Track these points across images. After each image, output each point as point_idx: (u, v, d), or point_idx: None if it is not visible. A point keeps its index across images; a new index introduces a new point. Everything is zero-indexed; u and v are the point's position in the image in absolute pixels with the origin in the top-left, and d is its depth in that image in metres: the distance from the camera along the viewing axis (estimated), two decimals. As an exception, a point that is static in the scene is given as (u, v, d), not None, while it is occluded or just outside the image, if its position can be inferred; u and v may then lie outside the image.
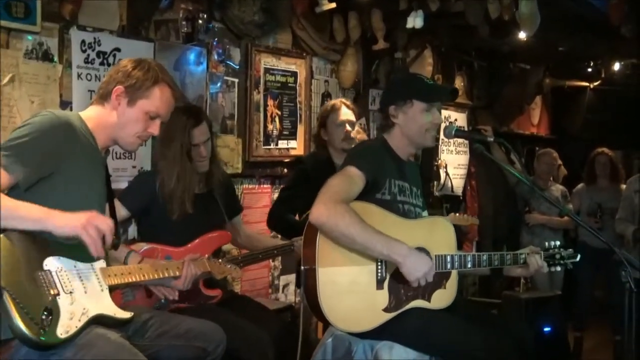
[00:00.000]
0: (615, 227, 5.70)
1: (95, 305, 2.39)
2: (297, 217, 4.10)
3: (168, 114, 2.68)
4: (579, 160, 7.18)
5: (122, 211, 3.37)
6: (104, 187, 2.69)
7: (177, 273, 2.89)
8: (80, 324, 2.30)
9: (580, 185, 6.52)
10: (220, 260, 3.25)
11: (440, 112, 3.10)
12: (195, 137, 3.44)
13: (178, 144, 3.40)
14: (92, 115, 2.60)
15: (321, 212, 2.66)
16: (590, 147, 6.68)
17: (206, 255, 3.16)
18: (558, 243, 3.23)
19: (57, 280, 2.30)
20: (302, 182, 3.99)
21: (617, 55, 7.53)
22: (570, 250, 3.23)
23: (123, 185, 4.03)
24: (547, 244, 3.23)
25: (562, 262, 3.19)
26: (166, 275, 2.82)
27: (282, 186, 4.38)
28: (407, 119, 3.01)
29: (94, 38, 3.92)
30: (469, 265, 2.99)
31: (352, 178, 2.80)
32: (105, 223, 2.32)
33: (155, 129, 2.64)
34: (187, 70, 4.48)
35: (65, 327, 2.26)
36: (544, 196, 3.24)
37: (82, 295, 2.36)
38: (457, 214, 5.28)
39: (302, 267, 2.78)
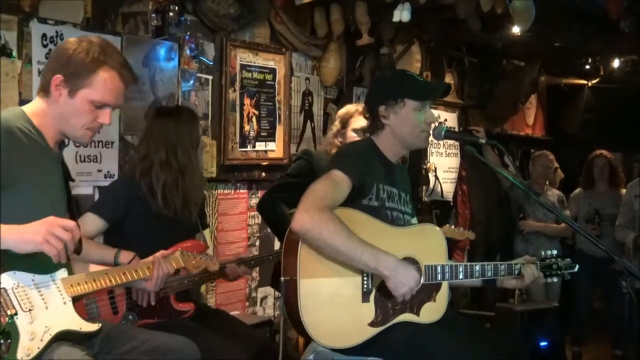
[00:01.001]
0: (615, 234, 5.75)
1: (58, 320, 2.36)
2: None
3: (118, 101, 2.57)
4: (577, 163, 7.24)
5: (98, 223, 3.38)
6: (62, 189, 2.63)
7: (148, 274, 2.87)
8: (42, 344, 2.27)
9: (577, 190, 6.57)
10: (194, 253, 3.25)
11: (431, 111, 3.10)
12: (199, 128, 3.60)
13: (183, 138, 3.50)
14: (36, 110, 2.52)
15: (304, 219, 2.66)
16: (588, 149, 6.74)
17: (178, 250, 3.15)
18: (555, 252, 3.25)
19: (13, 299, 2.26)
20: (305, 174, 3.95)
21: (616, 51, 7.59)
22: (568, 259, 3.25)
23: (87, 190, 4.00)
24: (543, 253, 3.25)
25: (559, 272, 3.21)
26: (135, 277, 2.79)
27: (281, 174, 4.34)
28: (399, 119, 3.01)
29: (56, 32, 3.89)
30: (461, 277, 3.00)
31: (337, 183, 2.80)
32: (67, 228, 2.26)
33: (106, 118, 2.54)
34: (156, 66, 4.46)
35: (25, 350, 2.22)
36: (539, 201, 3.26)
37: (43, 312, 2.33)
38: (452, 227, 5.30)
39: (282, 278, 2.77)
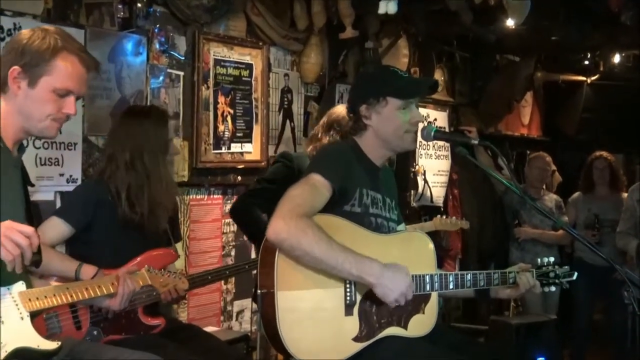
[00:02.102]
0: (616, 241, 5.79)
1: (14, 337, 2.35)
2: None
3: (81, 88, 2.57)
4: (575, 166, 7.28)
5: (63, 229, 3.36)
6: (21, 195, 2.61)
7: (112, 290, 2.86)
8: (-4, 363, 2.27)
9: (576, 194, 6.60)
10: (162, 270, 3.24)
11: (418, 109, 3.11)
12: (170, 130, 3.59)
13: (149, 137, 3.49)
14: None
15: (280, 227, 2.66)
16: (588, 151, 6.78)
17: (145, 267, 3.14)
18: (552, 259, 3.27)
19: None
20: (283, 179, 3.93)
21: (617, 45, 7.64)
22: (566, 267, 3.27)
23: (48, 196, 3.98)
24: (539, 260, 3.26)
25: (557, 281, 3.22)
26: (98, 293, 2.78)
27: (258, 177, 4.33)
28: (381, 119, 3.00)
29: (14, 24, 3.87)
30: (451, 286, 3.01)
31: (316, 188, 2.80)
32: (25, 233, 2.24)
33: (71, 107, 2.54)
34: (123, 61, 4.45)
35: (-23, 369, 2.22)
36: (535, 207, 3.27)
37: (-3, 327, 2.31)
38: (444, 217, 5.31)
39: (259, 291, 2.77)
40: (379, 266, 2.72)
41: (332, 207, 2.83)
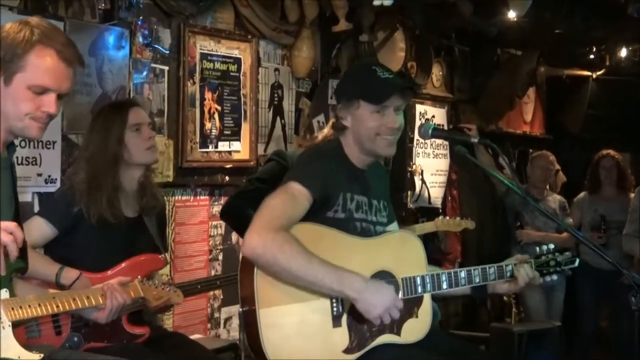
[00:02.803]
0: (623, 244, 5.81)
1: (-7, 347, 2.34)
2: None
3: (62, 84, 2.49)
4: (580, 165, 7.29)
5: (46, 230, 3.37)
6: (11, 197, 2.60)
7: (101, 301, 2.86)
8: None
9: (581, 195, 6.62)
10: (155, 282, 3.23)
11: (408, 109, 3.09)
12: (131, 117, 3.52)
13: (101, 132, 3.48)
14: None
15: (256, 243, 2.66)
16: (594, 149, 6.80)
17: (138, 277, 3.14)
18: (552, 247, 3.25)
19: None
20: (277, 179, 3.91)
21: (623, 38, 7.67)
22: (567, 253, 3.23)
23: (26, 197, 3.97)
24: (537, 249, 3.25)
25: (558, 269, 3.20)
26: (86, 304, 2.78)
27: (249, 177, 4.31)
28: (355, 121, 2.99)
29: (-11, 16, 3.86)
30: (445, 286, 3.00)
31: (295, 198, 2.79)
32: (8, 230, 2.24)
33: (51, 106, 2.46)
34: (105, 55, 4.44)
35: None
36: (539, 208, 3.29)
37: (-23, 337, 2.31)
38: (447, 218, 5.29)
39: (240, 309, 2.78)
40: (361, 280, 2.72)
41: (315, 214, 2.83)
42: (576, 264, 3.25)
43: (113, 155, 3.47)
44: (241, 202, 3.95)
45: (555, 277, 3.22)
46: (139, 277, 3.19)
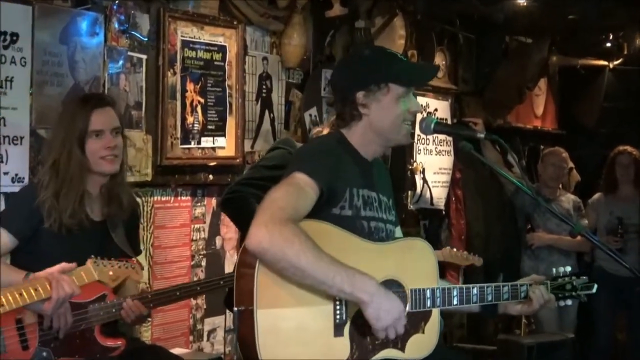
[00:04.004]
0: (642, 248, 5.84)
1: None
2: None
3: None
4: (596, 163, 7.31)
5: (6, 241, 3.38)
6: None
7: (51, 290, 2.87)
8: None
9: (597, 195, 6.64)
10: (110, 260, 3.23)
11: (416, 98, 3.11)
12: (93, 121, 3.49)
13: (62, 133, 3.48)
14: None
15: (262, 235, 2.64)
16: (610, 145, 6.82)
17: (91, 257, 3.16)
18: (569, 269, 3.28)
19: None
20: (284, 166, 3.86)
21: (642, 25, 7.70)
22: (585, 278, 3.28)
23: (-9, 199, 3.97)
24: (555, 271, 3.28)
25: (574, 294, 3.24)
26: (35, 298, 2.78)
27: (253, 163, 4.26)
28: (380, 108, 3.00)
29: (-50, -1, 3.86)
30: (455, 302, 3.02)
31: (301, 188, 2.79)
32: None
33: None
34: (77, 43, 4.43)
35: None
36: (550, 209, 3.29)
37: None
38: (454, 250, 5.32)
39: (236, 309, 2.76)
40: (374, 283, 2.72)
41: (319, 210, 2.83)
42: (593, 290, 3.28)
43: (78, 162, 3.47)
44: (245, 190, 3.86)
45: (570, 302, 3.24)
46: (92, 257, 3.19)
